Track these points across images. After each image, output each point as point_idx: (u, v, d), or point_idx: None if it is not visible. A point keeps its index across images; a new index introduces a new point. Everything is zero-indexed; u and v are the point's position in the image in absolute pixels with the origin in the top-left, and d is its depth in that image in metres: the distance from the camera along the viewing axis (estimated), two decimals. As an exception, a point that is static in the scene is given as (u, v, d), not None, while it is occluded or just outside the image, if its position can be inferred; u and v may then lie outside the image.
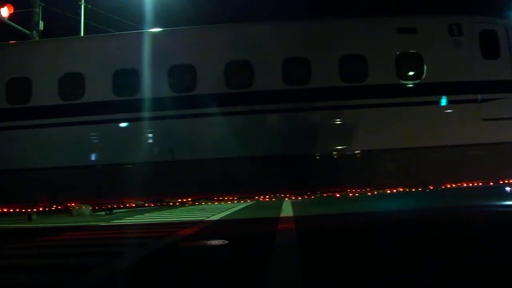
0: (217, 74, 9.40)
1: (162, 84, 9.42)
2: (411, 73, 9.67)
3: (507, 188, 11.37)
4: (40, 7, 17.63)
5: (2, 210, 10.19)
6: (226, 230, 9.39)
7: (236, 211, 15.54)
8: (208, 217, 12.97)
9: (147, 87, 9.39)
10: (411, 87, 9.54)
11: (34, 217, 15.34)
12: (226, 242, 7.17)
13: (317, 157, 9.38)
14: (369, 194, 10.13)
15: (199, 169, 9.18)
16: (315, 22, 10.47)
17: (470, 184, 9.75)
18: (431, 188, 9.90)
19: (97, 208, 14.97)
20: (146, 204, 11.28)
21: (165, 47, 9.75)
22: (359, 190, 10.02)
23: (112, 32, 16.46)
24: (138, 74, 9.42)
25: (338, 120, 9.48)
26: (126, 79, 9.59)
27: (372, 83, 9.30)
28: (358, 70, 9.43)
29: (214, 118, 9.21)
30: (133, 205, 10.90)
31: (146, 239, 8.05)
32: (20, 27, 16.81)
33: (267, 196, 10.04)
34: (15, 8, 16.33)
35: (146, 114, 9.29)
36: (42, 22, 17.43)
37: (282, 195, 10.39)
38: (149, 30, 12.35)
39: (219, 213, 14.43)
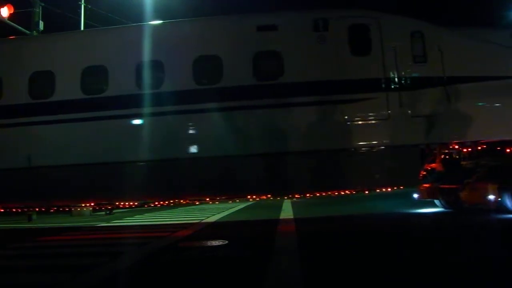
0: (128, 75, 9.08)
1: (75, 86, 9.15)
2: (269, 73, 8.93)
3: (415, 195, 11.01)
4: (40, 7, 17.62)
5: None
6: (226, 231, 9.40)
7: (236, 211, 15.53)
8: (208, 217, 12.98)
9: (60, 88, 9.18)
10: (268, 88, 8.79)
11: (34, 217, 15.32)
12: (226, 242, 7.18)
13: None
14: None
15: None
16: (169, 23, 10.19)
17: (336, 193, 9.32)
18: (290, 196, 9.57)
19: (97, 208, 14.97)
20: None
21: (80, 48, 9.54)
22: (194, 197, 9.96)
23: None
24: (52, 76, 9.21)
25: (190, 124, 8.90)
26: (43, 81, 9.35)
27: (227, 85, 8.76)
28: (212, 71, 8.94)
29: (123, 120, 8.96)
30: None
31: (145, 239, 8.06)
32: (20, 27, 16.79)
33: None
34: (15, 8, 16.31)
35: (62, 116, 9.04)
36: (42, 22, 17.40)
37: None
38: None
39: (219, 213, 14.41)
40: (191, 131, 8.94)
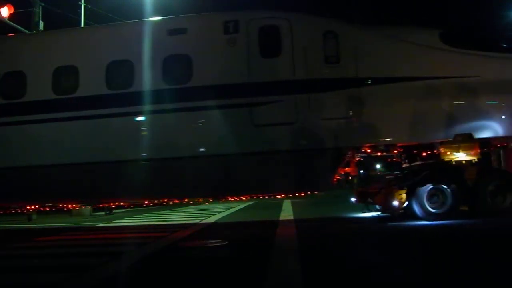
0: (45, 80, 9.15)
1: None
2: (179, 77, 8.91)
3: (352, 199, 10.50)
4: (40, 7, 17.63)
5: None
6: (226, 231, 9.40)
7: (236, 211, 15.53)
8: (208, 217, 12.97)
9: None
10: (177, 92, 8.76)
11: (34, 217, 15.32)
12: (226, 242, 7.18)
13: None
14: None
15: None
16: (85, 28, 10.39)
17: (243, 198, 9.33)
18: (201, 200, 9.50)
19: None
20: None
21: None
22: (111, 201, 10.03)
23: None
24: None
25: (104, 129, 8.90)
26: None
27: (138, 89, 8.78)
28: (125, 76, 8.94)
29: (40, 125, 8.99)
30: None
31: (145, 239, 8.05)
32: (20, 27, 16.79)
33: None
34: (15, 8, 16.32)
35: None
36: (42, 22, 17.43)
37: None
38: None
39: (219, 213, 14.41)
40: (105, 136, 8.92)
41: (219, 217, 12.89)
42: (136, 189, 8.90)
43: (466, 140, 8.81)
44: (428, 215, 8.62)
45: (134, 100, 8.77)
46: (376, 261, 5.28)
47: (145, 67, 8.83)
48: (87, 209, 16.29)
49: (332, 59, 8.66)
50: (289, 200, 17.54)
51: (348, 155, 9.20)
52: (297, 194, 9.99)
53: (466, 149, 8.85)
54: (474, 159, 8.91)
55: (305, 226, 9.32)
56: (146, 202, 10.18)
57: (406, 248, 6.18)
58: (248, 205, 18.41)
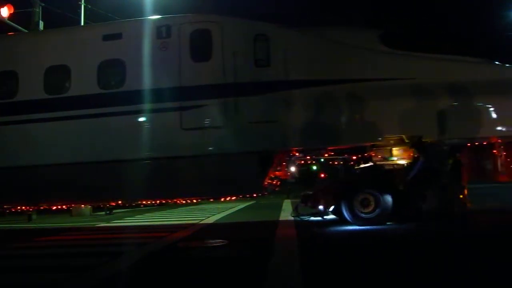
0: None
1: None
2: (113, 81, 9.05)
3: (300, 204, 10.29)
4: (40, 7, 17.62)
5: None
6: (226, 231, 9.40)
7: (236, 211, 15.54)
8: (208, 217, 12.98)
9: None
10: (111, 96, 8.84)
11: (34, 217, 15.33)
12: (226, 242, 7.18)
13: None
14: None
15: None
16: (23, 34, 10.45)
17: (174, 201, 9.23)
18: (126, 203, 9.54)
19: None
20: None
21: None
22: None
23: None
24: None
25: (42, 133, 8.92)
26: None
27: (75, 94, 8.88)
28: (62, 81, 9.06)
29: None
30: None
31: (145, 239, 8.06)
32: (20, 27, 16.79)
33: None
34: (15, 8, 16.30)
35: None
36: (42, 22, 17.40)
37: None
38: None
39: (219, 213, 14.42)
40: (42, 140, 8.96)
41: (219, 217, 12.90)
42: (64, 192, 9.09)
43: (398, 143, 8.54)
44: (357, 220, 8.39)
45: (70, 104, 8.92)
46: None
47: (81, 72, 9.01)
48: (87, 209, 16.30)
49: (262, 62, 8.64)
50: (289, 200, 17.56)
51: (279, 158, 9.05)
52: (227, 199, 9.95)
53: (398, 152, 8.57)
54: (406, 163, 8.59)
55: (305, 226, 9.32)
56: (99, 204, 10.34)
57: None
58: (248, 205, 18.43)
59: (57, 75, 9.19)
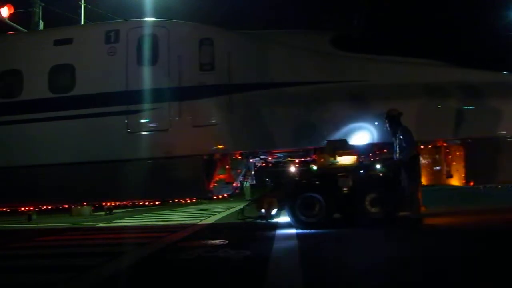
0: None
1: None
2: (63, 86, 9.12)
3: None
4: (40, 7, 17.62)
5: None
6: (226, 231, 9.41)
7: (236, 211, 15.51)
8: (208, 217, 12.98)
9: None
10: (61, 101, 9.01)
11: (34, 217, 15.33)
12: (226, 242, 7.18)
13: None
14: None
15: None
16: None
17: (117, 204, 9.46)
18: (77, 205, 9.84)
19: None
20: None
21: None
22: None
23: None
24: None
25: None
26: None
27: (26, 98, 9.04)
28: (14, 85, 9.21)
29: None
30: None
31: (145, 239, 8.06)
32: (20, 27, 16.79)
33: None
34: (15, 8, 16.30)
35: None
36: (42, 22, 17.41)
37: None
38: None
39: (219, 213, 14.41)
40: None
41: (219, 217, 12.90)
42: (12, 195, 9.17)
43: (341, 146, 8.42)
44: (300, 224, 8.34)
45: (22, 108, 9.07)
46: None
47: (33, 76, 9.14)
48: (87, 209, 16.30)
49: (206, 66, 8.75)
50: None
51: (223, 162, 9.06)
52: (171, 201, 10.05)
53: (342, 155, 8.41)
54: (350, 166, 8.41)
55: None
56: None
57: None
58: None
59: (9, 79, 9.40)
